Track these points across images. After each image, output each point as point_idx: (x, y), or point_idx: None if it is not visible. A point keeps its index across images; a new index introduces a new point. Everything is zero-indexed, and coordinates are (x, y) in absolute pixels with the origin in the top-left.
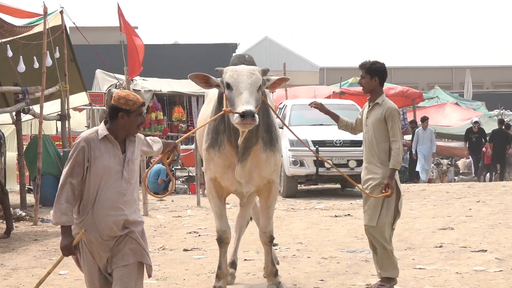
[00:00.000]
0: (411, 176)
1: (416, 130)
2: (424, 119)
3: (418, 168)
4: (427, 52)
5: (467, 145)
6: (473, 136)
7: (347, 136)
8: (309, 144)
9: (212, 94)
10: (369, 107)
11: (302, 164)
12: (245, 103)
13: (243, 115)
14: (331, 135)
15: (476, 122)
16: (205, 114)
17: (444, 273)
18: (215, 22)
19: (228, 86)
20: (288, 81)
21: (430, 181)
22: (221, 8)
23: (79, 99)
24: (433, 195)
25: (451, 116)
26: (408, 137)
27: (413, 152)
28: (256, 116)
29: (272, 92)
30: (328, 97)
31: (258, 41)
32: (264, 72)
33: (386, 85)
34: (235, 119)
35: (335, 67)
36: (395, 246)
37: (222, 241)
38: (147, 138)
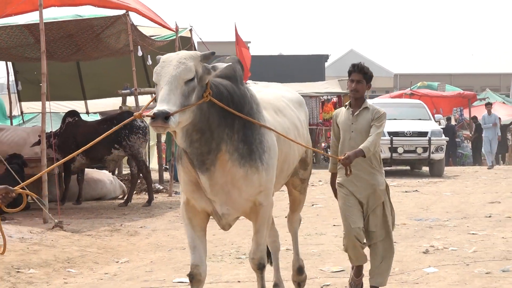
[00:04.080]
0: (475, 159)
1: (483, 114)
2: (489, 104)
3: (484, 152)
4: (480, 61)
5: None
6: None
7: (415, 128)
8: (385, 135)
9: None
10: (351, 113)
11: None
12: (160, 101)
13: (154, 116)
14: (403, 127)
15: None
16: None
17: (492, 238)
18: (313, 36)
19: None
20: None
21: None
22: (318, 25)
23: None
24: (484, 176)
25: (499, 112)
26: (466, 132)
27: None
28: (173, 118)
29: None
30: (400, 96)
31: (345, 53)
32: (206, 57)
33: (448, 88)
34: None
35: (406, 73)
36: (453, 216)
37: (193, 277)
38: None
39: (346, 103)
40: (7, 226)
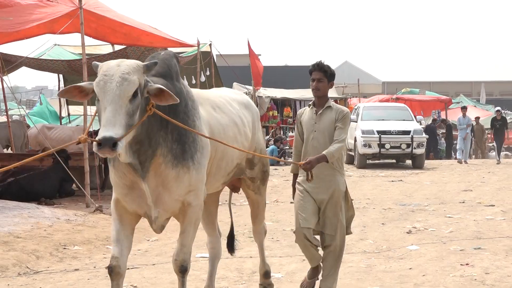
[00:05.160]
0: (447, 154)
1: (458, 117)
2: (464, 108)
3: (458, 150)
4: (455, 71)
5: (492, 131)
6: (497, 123)
7: (400, 127)
8: (374, 133)
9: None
10: (315, 112)
11: (370, 146)
12: (105, 125)
13: (100, 143)
14: (390, 126)
15: (498, 111)
16: None
17: (465, 220)
18: (313, 50)
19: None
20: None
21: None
22: (317, 40)
23: None
24: (458, 168)
25: (471, 114)
26: (443, 130)
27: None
28: (120, 144)
29: (350, 98)
30: (387, 100)
31: (340, 64)
32: (149, 68)
33: (428, 94)
34: (93, 145)
35: (393, 81)
36: (432, 202)
37: (112, 270)
38: None
39: (310, 103)
40: (56, 209)
